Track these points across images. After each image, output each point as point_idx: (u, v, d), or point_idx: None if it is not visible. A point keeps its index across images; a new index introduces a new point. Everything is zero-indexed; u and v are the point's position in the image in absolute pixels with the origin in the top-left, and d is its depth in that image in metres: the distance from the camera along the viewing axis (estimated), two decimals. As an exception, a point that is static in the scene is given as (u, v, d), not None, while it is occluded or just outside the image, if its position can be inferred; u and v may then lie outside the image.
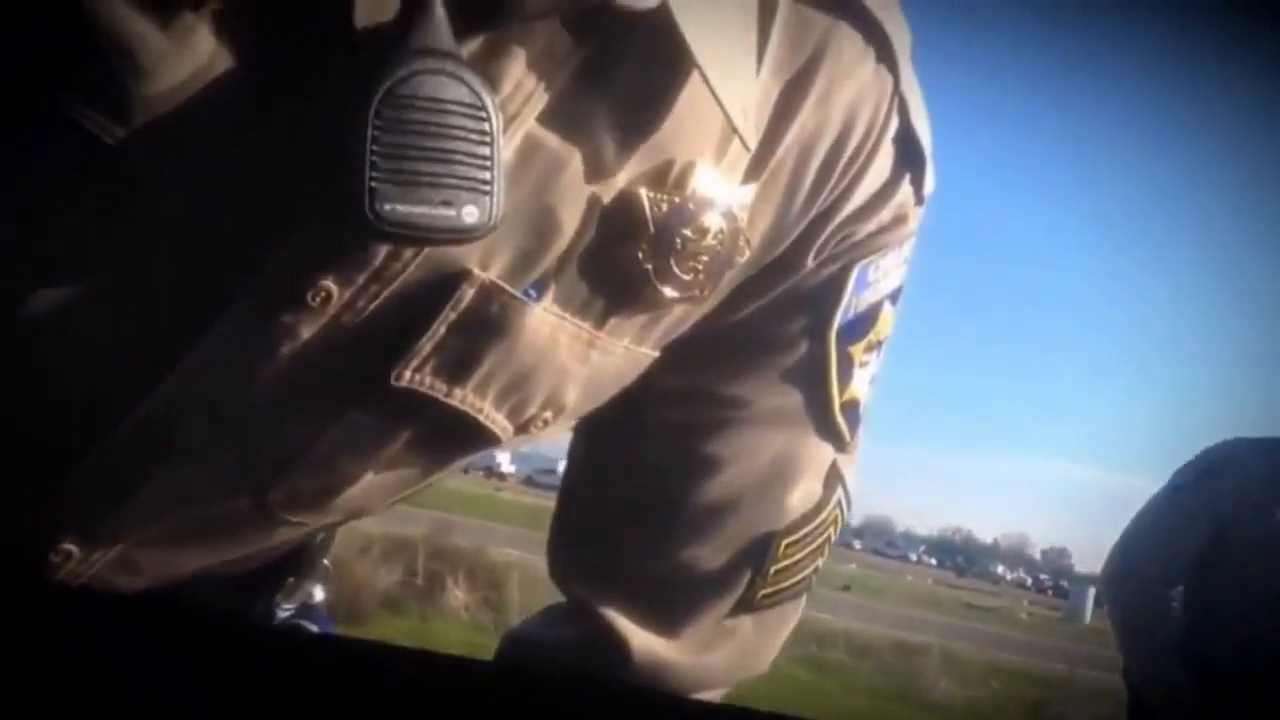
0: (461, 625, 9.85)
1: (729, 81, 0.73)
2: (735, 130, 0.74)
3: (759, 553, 0.88)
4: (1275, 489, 2.60)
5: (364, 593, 9.31)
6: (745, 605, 0.89)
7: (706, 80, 0.71)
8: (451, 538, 12.07)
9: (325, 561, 1.06)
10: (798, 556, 0.90)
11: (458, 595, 10.76)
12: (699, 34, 0.70)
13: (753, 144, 0.76)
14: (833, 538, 0.92)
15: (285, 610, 1.02)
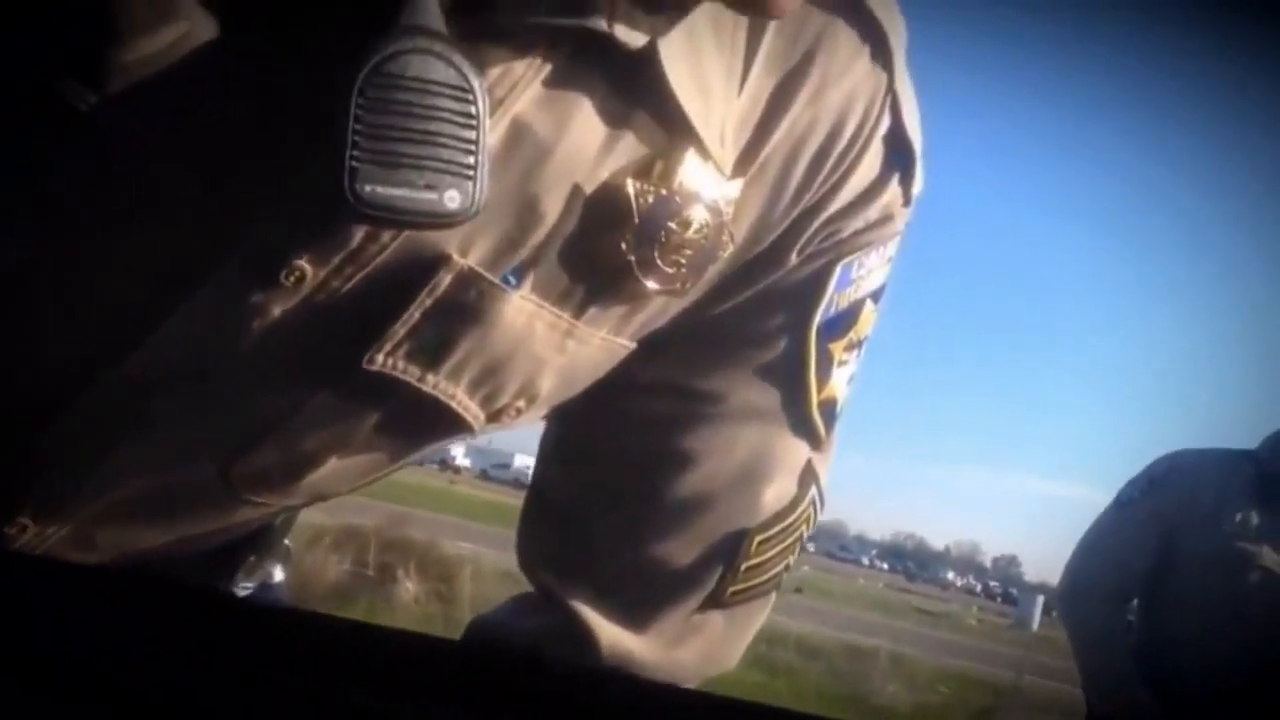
0: (411, 617, 9.81)
1: (708, 103, 0.74)
2: (710, 156, 0.74)
3: (731, 549, 0.87)
4: (1222, 500, 2.63)
5: (314, 582, 9.27)
6: (715, 601, 0.89)
7: (683, 110, 0.72)
8: (404, 530, 12.03)
9: (286, 542, 1.05)
10: (769, 554, 0.89)
11: (408, 587, 10.71)
12: (684, 71, 0.72)
13: (728, 166, 0.76)
14: (804, 536, 0.91)
15: (245, 589, 1.01)
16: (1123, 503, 2.77)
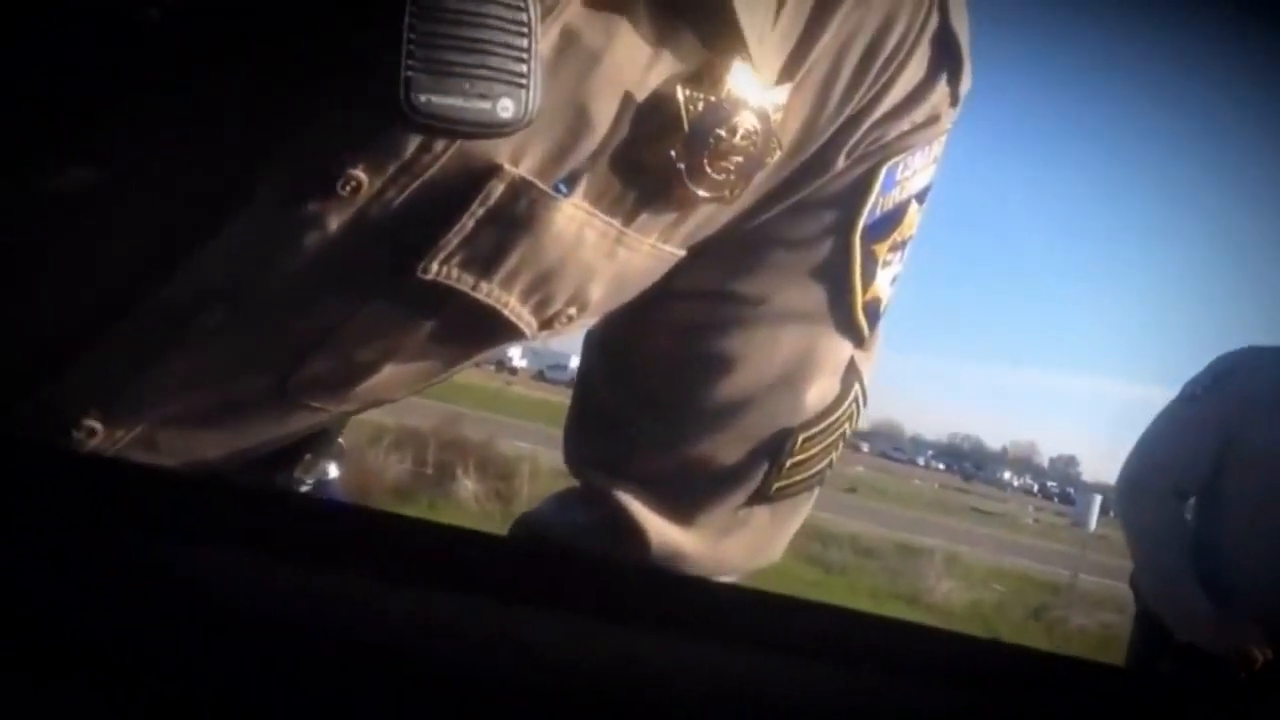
0: (470, 515, 9.92)
1: (755, 8, 0.73)
2: (748, 55, 0.74)
3: (776, 447, 0.89)
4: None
5: (374, 481, 9.37)
6: (760, 496, 0.90)
7: (734, 13, 0.72)
8: (462, 430, 12.12)
9: (340, 440, 1.07)
10: (813, 451, 0.90)
11: (467, 486, 10.82)
12: None
13: (771, 64, 0.76)
14: (848, 433, 0.93)
15: (303, 486, 1.03)
16: (1185, 398, 2.73)
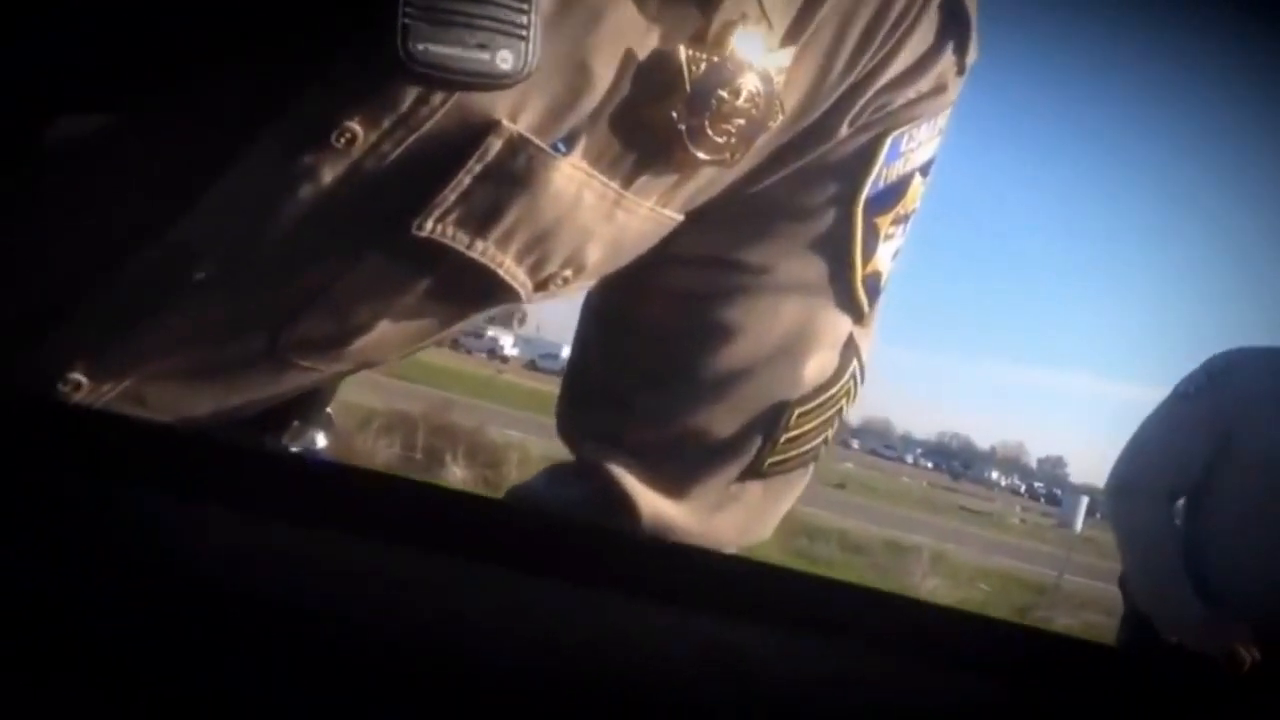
0: (459, 502, 9.93)
1: None
2: (764, 12, 0.73)
3: (771, 421, 0.88)
4: (1278, 401, 2.59)
5: (363, 465, 9.40)
6: (754, 471, 0.89)
7: None
8: (452, 416, 12.16)
9: (329, 410, 1.07)
10: (809, 426, 0.89)
11: (455, 472, 10.85)
12: None
13: (780, 24, 0.75)
14: (845, 410, 0.92)
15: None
16: (1179, 396, 2.72)
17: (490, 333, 39.13)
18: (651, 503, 0.88)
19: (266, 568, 0.46)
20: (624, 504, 0.88)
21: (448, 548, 0.49)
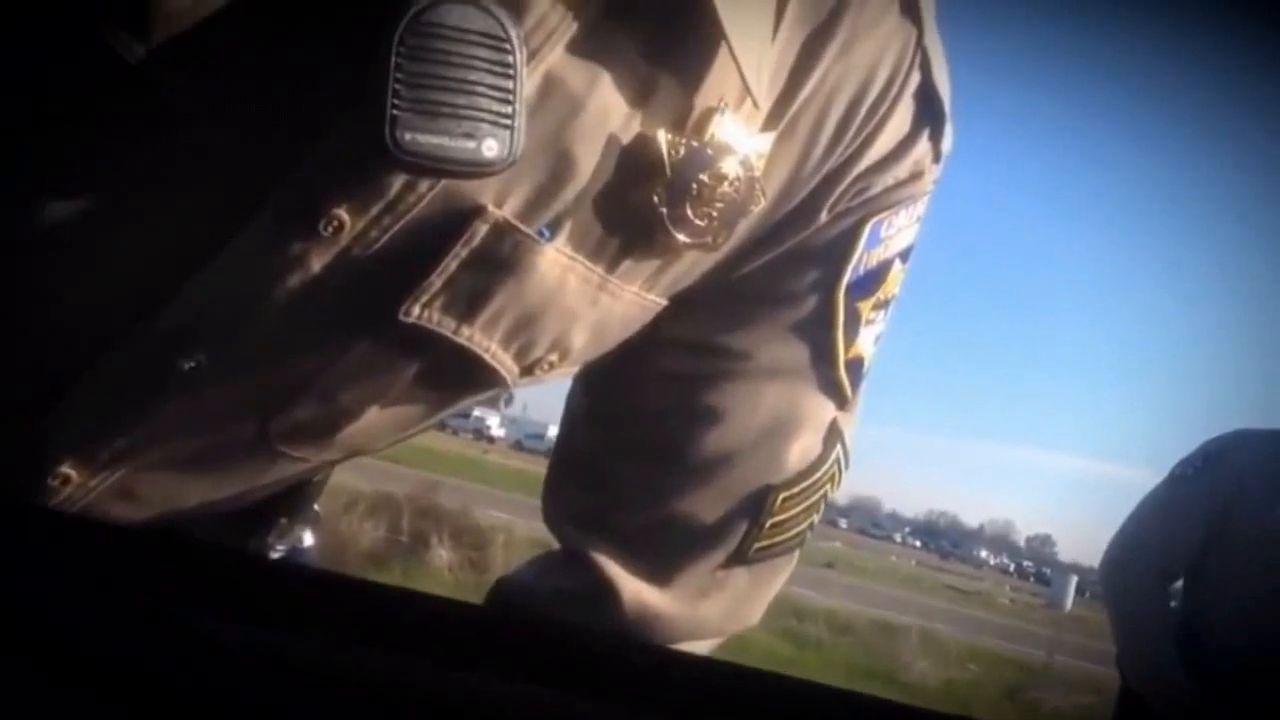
0: (443, 583, 9.86)
1: (747, 41, 0.73)
2: (748, 91, 0.74)
3: (755, 506, 0.87)
4: (1275, 484, 2.59)
5: (348, 547, 9.33)
6: (739, 557, 0.89)
7: (727, 40, 0.72)
8: (438, 498, 12.09)
9: (316, 507, 1.06)
10: (793, 511, 0.89)
11: (441, 555, 10.78)
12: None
13: (764, 103, 0.76)
14: (829, 494, 0.92)
15: (277, 551, 1.02)
16: (1175, 478, 2.73)
17: (477, 413, 39.04)
18: (635, 589, 0.87)
19: (250, 674, 0.46)
20: (608, 591, 0.87)
21: (429, 652, 0.49)
